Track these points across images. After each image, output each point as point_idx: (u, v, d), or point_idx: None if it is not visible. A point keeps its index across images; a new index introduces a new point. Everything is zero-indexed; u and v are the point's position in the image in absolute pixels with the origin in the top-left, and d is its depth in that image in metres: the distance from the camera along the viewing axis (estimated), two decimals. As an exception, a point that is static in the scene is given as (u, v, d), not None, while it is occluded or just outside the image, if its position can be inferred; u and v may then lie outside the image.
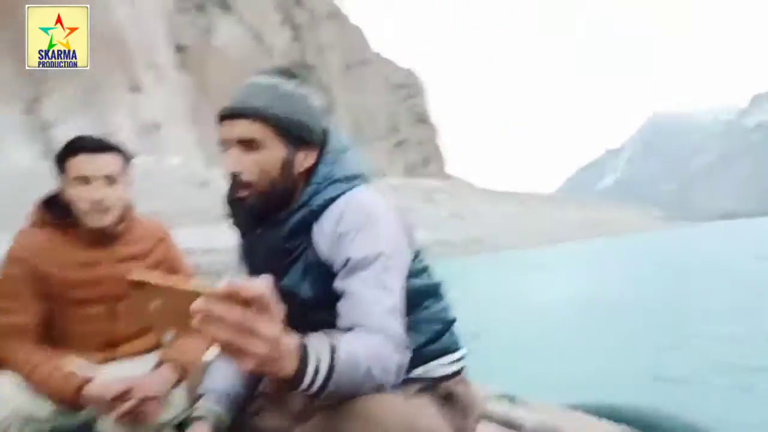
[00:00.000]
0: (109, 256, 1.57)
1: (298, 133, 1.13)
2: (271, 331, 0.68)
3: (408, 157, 64.52)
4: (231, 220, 1.24)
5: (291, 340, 0.77)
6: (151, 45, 31.35)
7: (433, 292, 1.23)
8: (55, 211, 1.59)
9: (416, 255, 1.21)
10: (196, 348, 1.58)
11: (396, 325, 1.03)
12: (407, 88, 68.41)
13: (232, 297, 0.64)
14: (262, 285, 0.67)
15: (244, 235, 1.26)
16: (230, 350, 0.67)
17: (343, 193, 1.15)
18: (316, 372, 0.83)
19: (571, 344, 7.12)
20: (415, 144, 66.75)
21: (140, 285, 0.68)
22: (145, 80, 29.95)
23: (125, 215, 1.63)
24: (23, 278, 1.51)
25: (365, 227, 1.09)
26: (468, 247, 25.94)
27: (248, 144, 1.11)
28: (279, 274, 1.15)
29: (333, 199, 1.14)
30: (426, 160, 67.61)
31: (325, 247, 1.12)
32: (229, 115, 1.13)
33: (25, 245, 1.55)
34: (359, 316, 1.02)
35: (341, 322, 1.03)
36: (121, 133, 24.51)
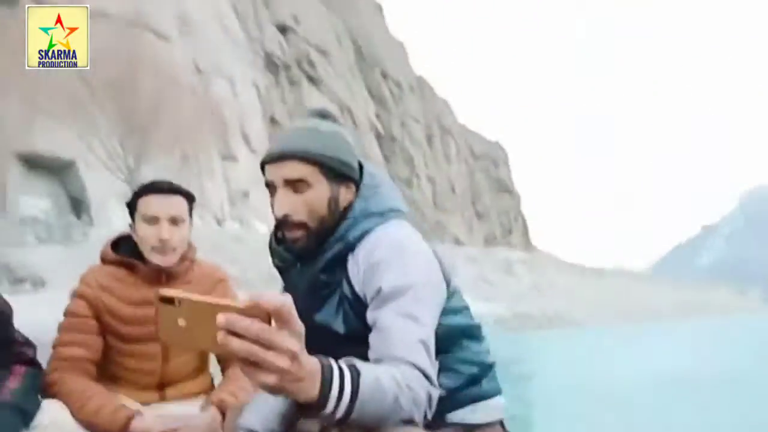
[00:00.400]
0: None
1: (340, 170, 1.16)
2: (291, 345, 0.67)
3: (489, 227, 63.88)
4: (273, 262, 1.27)
5: (313, 361, 0.76)
6: (245, 117, 33.42)
7: (471, 332, 1.20)
8: (124, 249, 1.67)
9: (453, 294, 1.20)
10: (244, 390, 1.59)
11: (425, 357, 1.00)
12: (490, 158, 68.60)
13: (253, 310, 0.64)
14: (282, 298, 0.67)
15: (284, 274, 1.28)
16: (250, 364, 0.66)
17: (378, 226, 1.16)
18: (340, 394, 0.80)
19: (645, 421, 6.64)
20: (497, 214, 66.08)
21: (169, 301, 0.67)
22: (238, 150, 31.79)
23: (186, 256, 1.69)
24: (86, 313, 1.57)
25: (397, 258, 1.09)
26: (548, 322, 24.93)
27: (296, 184, 1.14)
28: (316, 309, 1.17)
29: (367, 232, 1.15)
30: (508, 230, 66.61)
31: (358, 279, 1.13)
32: (274, 159, 1.16)
33: (90, 281, 1.62)
34: (388, 347, 1.00)
35: (372, 353, 1.02)
36: (214, 200, 25.79)
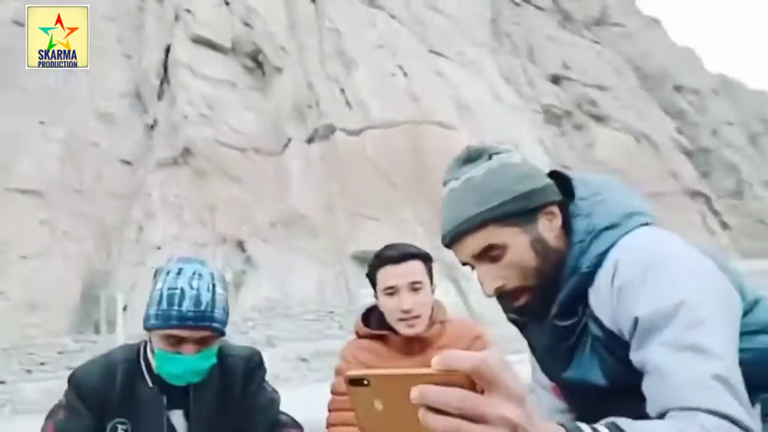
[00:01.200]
0: (425, 362, 1.41)
1: (521, 208, 0.97)
2: (507, 412, 0.49)
3: None
4: (507, 316, 1.12)
5: (550, 428, 0.58)
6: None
7: None
8: (374, 321, 1.67)
9: (756, 305, 0.92)
10: None
11: (728, 398, 0.73)
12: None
13: (450, 376, 0.50)
14: (481, 355, 0.51)
15: (522, 328, 1.12)
16: None
17: (615, 241, 0.93)
18: None
19: None
20: None
21: (358, 383, 0.55)
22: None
23: (435, 318, 1.63)
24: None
25: (651, 274, 0.85)
26: None
27: (488, 255, 0.97)
28: (566, 363, 1.00)
29: (604, 253, 0.93)
30: None
31: (606, 312, 0.91)
32: (449, 242, 1.02)
33: (348, 357, 1.63)
34: (669, 395, 0.76)
35: (650, 407, 0.79)
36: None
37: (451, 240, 1.01)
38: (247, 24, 23.53)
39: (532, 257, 0.96)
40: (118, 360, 1.44)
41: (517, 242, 0.96)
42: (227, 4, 24.12)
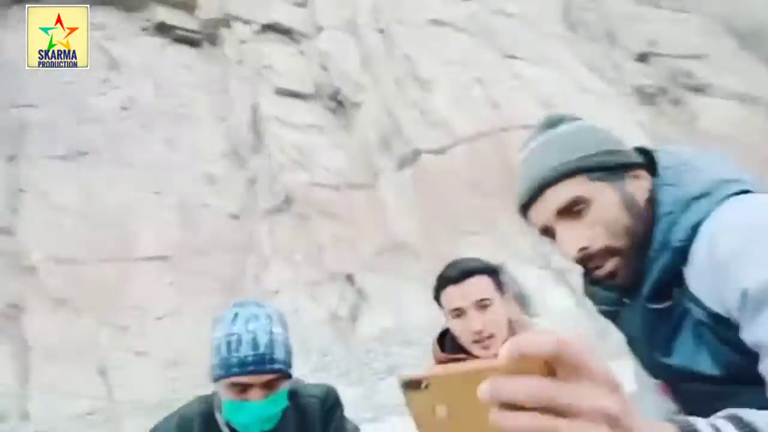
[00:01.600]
0: None
1: (609, 163, 0.90)
2: (600, 401, 0.40)
3: None
4: (596, 308, 1.03)
5: (655, 426, 0.49)
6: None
7: None
8: (448, 345, 1.57)
9: None
10: None
11: None
12: None
13: (523, 364, 0.41)
14: (562, 335, 0.41)
15: (615, 319, 1.02)
16: None
17: (710, 211, 0.83)
18: None
19: None
20: None
21: (415, 386, 0.45)
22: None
23: (514, 333, 1.45)
24: None
25: (755, 241, 0.75)
26: None
27: (572, 210, 0.89)
28: (665, 351, 0.90)
29: (697, 225, 0.83)
30: None
31: (707, 291, 0.81)
32: (530, 200, 0.93)
33: None
34: None
35: None
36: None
37: (532, 197, 0.92)
38: (324, 68, 24.53)
39: (622, 213, 0.88)
40: (193, 414, 1.42)
41: (605, 197, 0.88)
42: (302, 54, 25.31)
